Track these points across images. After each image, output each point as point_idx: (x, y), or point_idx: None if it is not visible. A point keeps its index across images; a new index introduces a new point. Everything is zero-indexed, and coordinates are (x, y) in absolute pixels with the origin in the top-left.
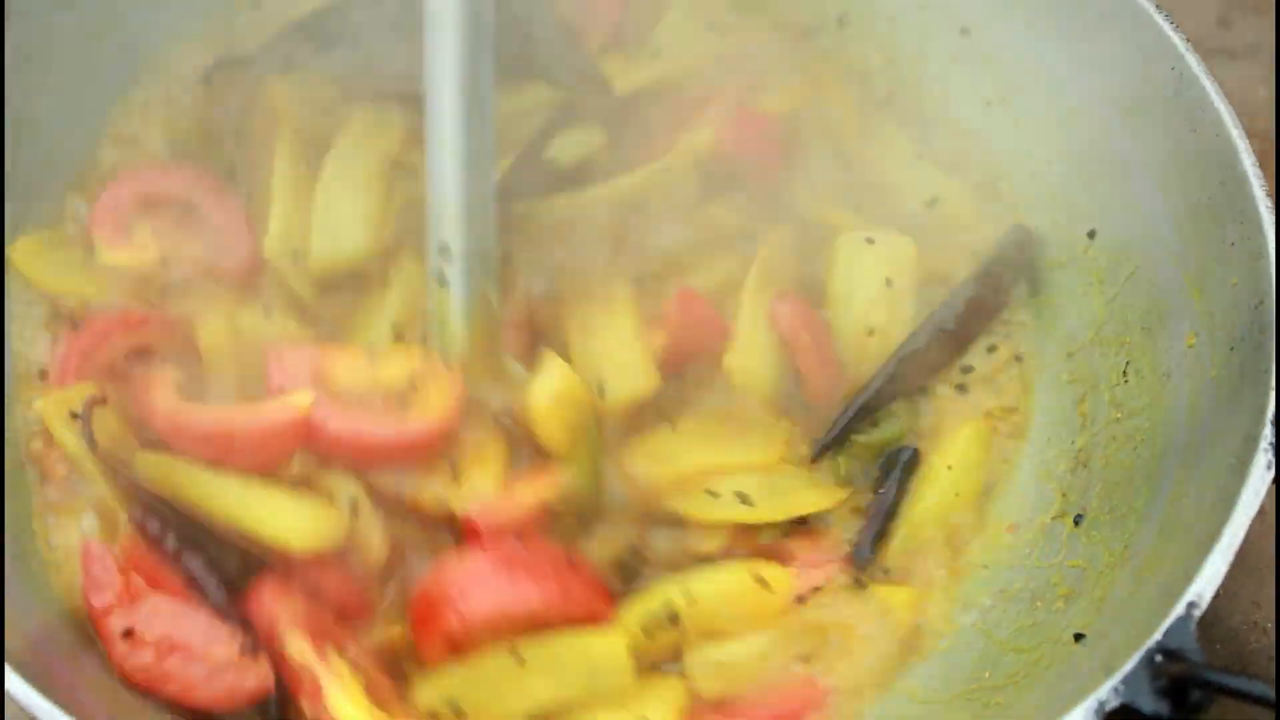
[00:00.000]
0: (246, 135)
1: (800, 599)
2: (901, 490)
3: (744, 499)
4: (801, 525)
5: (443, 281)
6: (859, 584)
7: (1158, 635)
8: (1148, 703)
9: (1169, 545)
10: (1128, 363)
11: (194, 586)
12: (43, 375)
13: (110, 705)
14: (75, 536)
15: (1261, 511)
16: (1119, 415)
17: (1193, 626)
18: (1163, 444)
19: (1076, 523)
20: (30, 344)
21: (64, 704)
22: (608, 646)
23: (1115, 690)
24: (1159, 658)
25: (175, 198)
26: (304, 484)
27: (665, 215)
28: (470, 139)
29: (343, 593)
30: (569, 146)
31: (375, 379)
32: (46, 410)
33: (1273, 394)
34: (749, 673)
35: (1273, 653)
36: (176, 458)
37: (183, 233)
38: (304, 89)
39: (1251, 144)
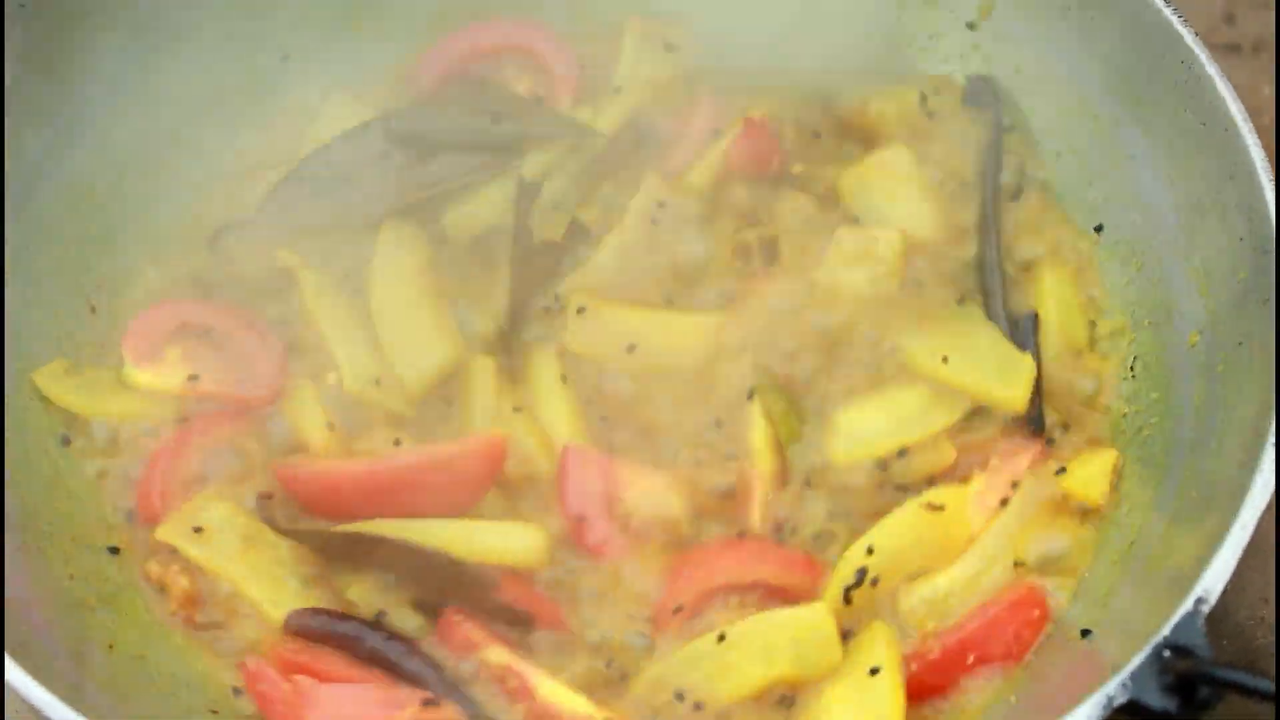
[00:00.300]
0: (267, 281)
1: (1003, 501)
2: (1036, 353)
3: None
4: (973, 430)
5: None
6: (1052, 459)
7: (1165, 631)
8: (1155, 699)
9: (1176, 540)
10: (1134, 358)
11: (359, 655)
12: (130, 517)
13: (112, 696)
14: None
15: (1269, 507)
16: (1126, 410)
17: (1201, 622)
18: (1170, 438)
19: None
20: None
21: (65, 697)
22: (810, 615)
23: (1123, 686)
24: (1167, 653)
25: (209, 327)
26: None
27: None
28: None
29: (539, 607)
30: (554, 221)
31: (669, 507)
32: (166, 534)
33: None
34: (961, 600)
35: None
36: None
37: (212, 359)
38: (308, 239)
39: None
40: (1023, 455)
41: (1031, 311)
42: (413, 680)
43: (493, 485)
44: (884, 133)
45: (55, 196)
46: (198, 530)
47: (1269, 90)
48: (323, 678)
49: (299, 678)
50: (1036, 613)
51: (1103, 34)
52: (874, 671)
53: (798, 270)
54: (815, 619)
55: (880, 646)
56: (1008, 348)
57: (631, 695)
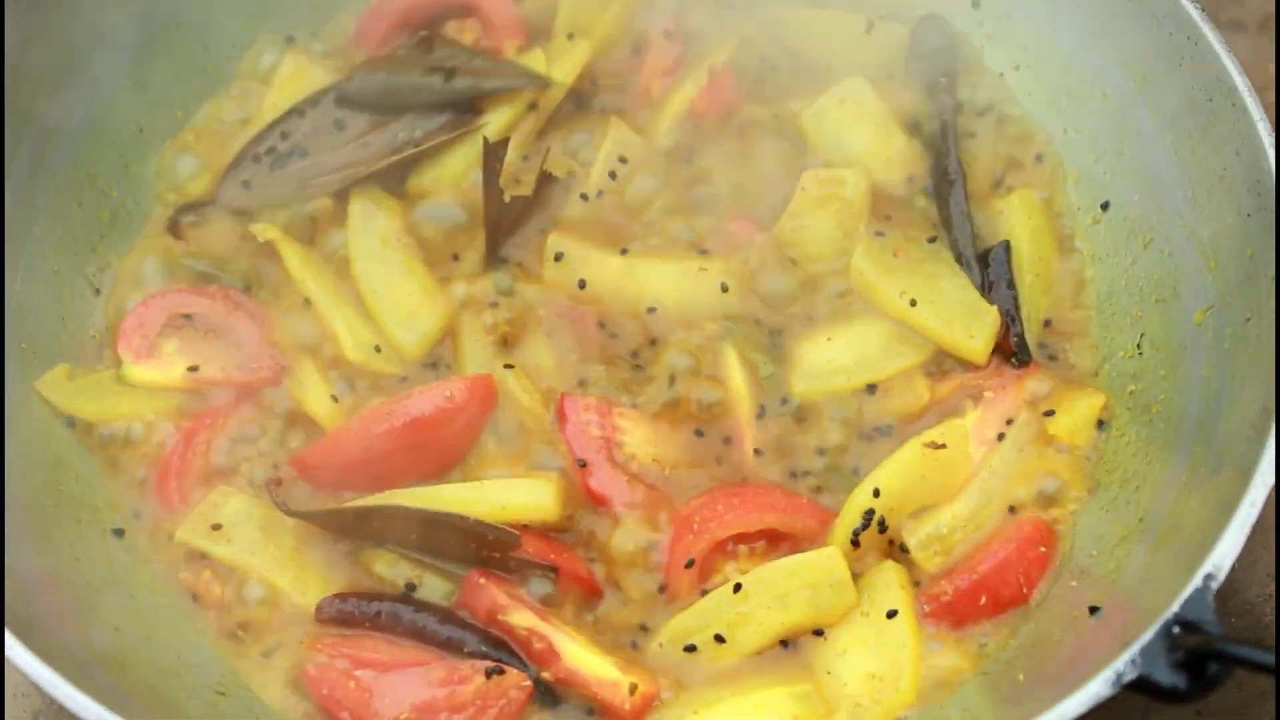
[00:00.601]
0: (248, 259)
1: (1000, 436)
2: (1011, 282)
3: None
4: (966, 369)
5: None
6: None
7: (1175, 607)
8: (1164, 675)
9: (1185, 517)
10: (1141, 335)
11: (398, 632)
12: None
13: (117, 677)
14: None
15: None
16: (1134, 387)
17: (1210, 598)
18: (1178, 415)
19: (1091, 494)
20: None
21: (70, 676)
22: (823, 560)
23: (1132, 662)
24: (1176, 629)
25: (200, 315)
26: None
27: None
28: None
29: (561, 559)
30: (523, 174)
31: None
32: (186, 535)
33: None
34: (965, 535)
35: None
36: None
37: (208, 348)
38: (281, 212)
39: None
40: (1015, 387)
41: (1003, 242)
42: (455, 647)
43: (486, 421)
44: (837, 64)
45: (56, 179)
46: (216, 528)
47: (1275, 69)
48: (370, 665)
49: (360, 673)
50: (1043, 549)
51: (1109, 12)
52: (891, 614)
53: (767, 213)
54: (828, 564)
55: (894, 589)
56: (974, 297)
57: (651, 650)
